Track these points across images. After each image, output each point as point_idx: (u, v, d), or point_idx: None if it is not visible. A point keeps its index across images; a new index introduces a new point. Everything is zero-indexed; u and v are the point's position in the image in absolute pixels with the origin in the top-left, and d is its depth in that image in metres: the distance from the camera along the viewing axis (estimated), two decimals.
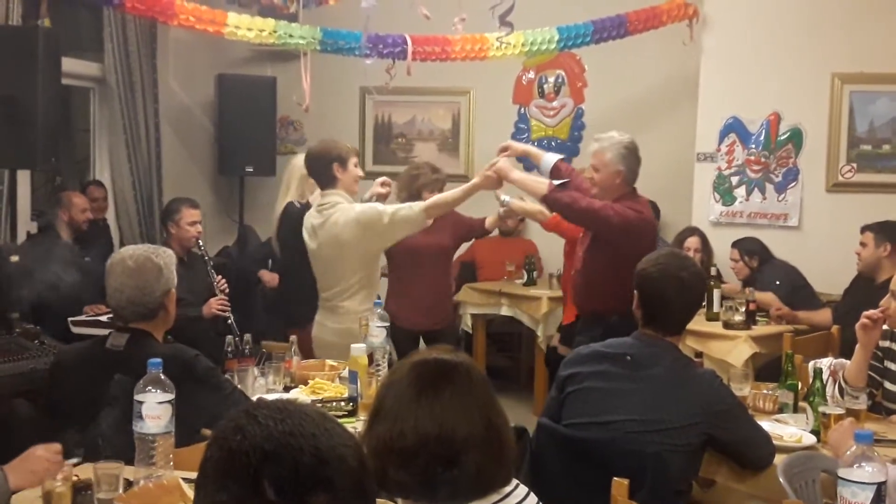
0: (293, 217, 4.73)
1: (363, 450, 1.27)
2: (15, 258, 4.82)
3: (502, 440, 1.82)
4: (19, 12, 5.43)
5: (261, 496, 1.15)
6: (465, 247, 5.91)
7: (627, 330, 3.13)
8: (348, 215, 4.14)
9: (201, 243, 5.30)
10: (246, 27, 5.57)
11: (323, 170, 4.24)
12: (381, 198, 4.64)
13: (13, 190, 5.04)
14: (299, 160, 4.76)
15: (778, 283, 5.57)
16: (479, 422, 1.78)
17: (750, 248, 5.87)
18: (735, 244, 5.92)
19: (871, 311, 3.33)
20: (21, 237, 5.28)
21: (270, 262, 5.94)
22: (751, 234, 6.01)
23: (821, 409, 3.20)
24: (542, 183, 4.33)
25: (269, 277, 5.88)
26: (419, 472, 1.74)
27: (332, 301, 4.30)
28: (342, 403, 3.37)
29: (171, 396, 2.46)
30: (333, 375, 3.78)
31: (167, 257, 3.06)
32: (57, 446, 2.38)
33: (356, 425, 3.16)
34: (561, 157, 4.52)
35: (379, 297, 4.19)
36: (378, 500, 1.71)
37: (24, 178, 5.64)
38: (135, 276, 2.96)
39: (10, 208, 5.11)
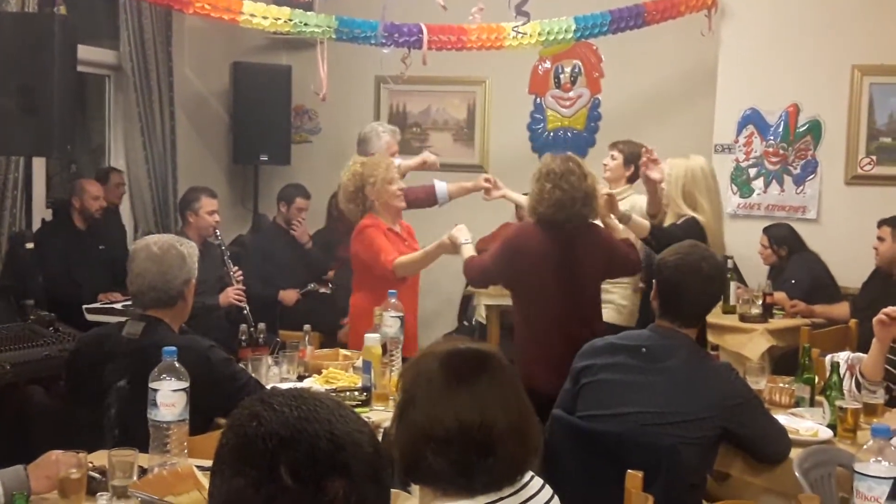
0: None
1: (377, 437, 1.27)
2: (30, 245, 4.83)
3: (532, 429, 1.84)
4: (35, 0, 5.44)
5: (277, 481, 1.16)
6: (479, 237, 5.85)
7: None
8: None
9: (218, 233, 5.31)
10: (261, 15, 5.56)
11: None
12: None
13: (28, 177, 5.04)
14: None
15: (794, 281, 5.46)
16: (514, 410, 1.80)
17: (780, 236, 5.73)
18: (766, 230, 5.81)
19: (889, 309, 3.30)
20: (36, 225, 5.29)
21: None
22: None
23: (837, 403, 3.19)
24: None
25: (291, 297, 6.10)
26: (456, 460, 1.75)
27: None
28: (356, 393, 3.37)
29: (185, 384, 2.47)
30: (347, 365, 3.79)
31: (191, 248, 3.11)
32: (73, 454, 2.37)
33: (370, 415, 3.17)
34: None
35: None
36: (392, 489, 1.71)
37: (39, 165, 5.65)
38: (158, 262, 2.99)
39: (25, 196, 5.11)
